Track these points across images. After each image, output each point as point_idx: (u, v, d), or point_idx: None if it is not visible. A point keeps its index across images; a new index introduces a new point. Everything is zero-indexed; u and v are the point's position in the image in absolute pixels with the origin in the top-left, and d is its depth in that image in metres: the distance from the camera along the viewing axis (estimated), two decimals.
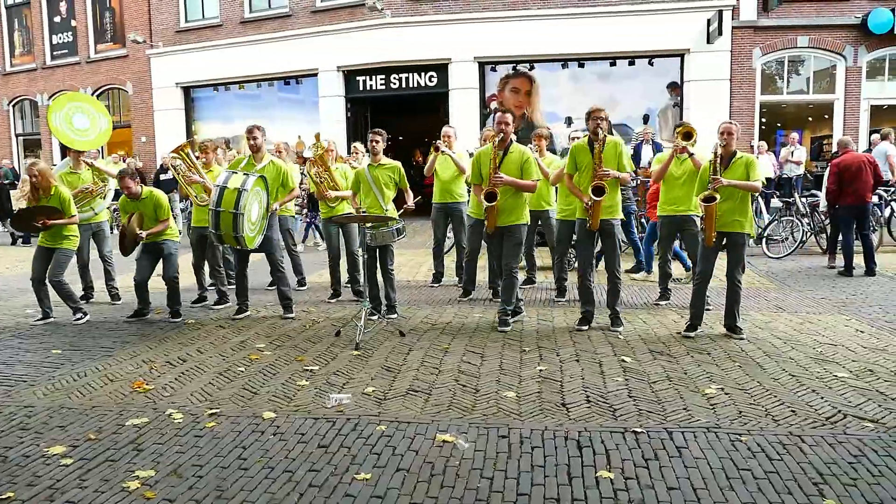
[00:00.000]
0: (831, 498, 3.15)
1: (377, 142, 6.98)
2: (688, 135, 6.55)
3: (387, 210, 6.89)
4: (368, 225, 6.45)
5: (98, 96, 20.31)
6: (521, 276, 8.89)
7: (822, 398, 4.44)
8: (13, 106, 23.08)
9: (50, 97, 21.87)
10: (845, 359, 5.29)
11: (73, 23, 21.37)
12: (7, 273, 10.89)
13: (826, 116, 16.08)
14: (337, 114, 17.55)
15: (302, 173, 11.13)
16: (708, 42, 15.43)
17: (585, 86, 16.31)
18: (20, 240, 15.11)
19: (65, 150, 21.28)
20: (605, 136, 6.14)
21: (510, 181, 6.18)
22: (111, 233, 7.43)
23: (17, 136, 23.28)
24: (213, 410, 4.39)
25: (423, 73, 16.93)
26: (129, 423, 4.19)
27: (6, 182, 17.10)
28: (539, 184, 7.94)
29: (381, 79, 17.26)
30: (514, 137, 6.47)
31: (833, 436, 3.83)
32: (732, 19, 15.39)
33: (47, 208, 6.89)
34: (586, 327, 6.35)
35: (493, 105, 16.74)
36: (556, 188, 7.82)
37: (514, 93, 16.67)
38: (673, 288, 7.68)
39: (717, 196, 5.73)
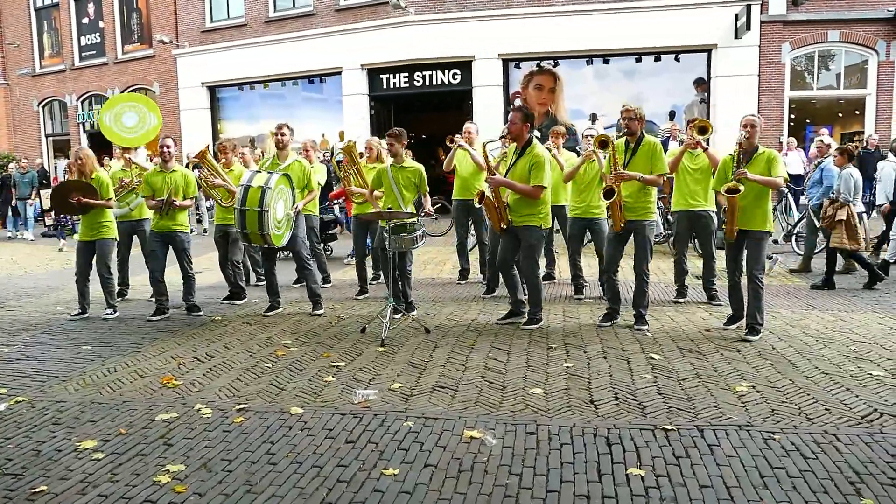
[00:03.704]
0: (869, 498, 3.08)
1: (392, 144, 6.89)
2: (703, 129, 6.49)
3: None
4: (390, 228, 6.38)
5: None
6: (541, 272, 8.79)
7: (857, 396, 4.35)
8: (43, 107, 23.45)
9: (79, 98, 22.22)
10: (880, 357, 5.18)
11: (101, 24, 21.66)
12: (38, 271, 11.07)
13: (857, 112, 15.79)
14: (361, 112, 17.60)
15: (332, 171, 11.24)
16: (736, 37, 15.22)
17: (610, 82, 16.19)
18: None
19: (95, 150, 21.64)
20: (642, 134, 6.08)
21: (504, 182, 6.05)
22: None
23: (47, 136, 23.65)
24: (241, 406, 4.41)
25: (446, 71, 16.91)
26: (159, 418, 4.23)
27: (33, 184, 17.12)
28: (555, 179, 7.92)
29: (404, 77, 17.28)
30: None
31: (869, 435, 3.75)
32: (761, 14, 15.16)
33: (84, 185, 6.98)
34: (609, 324, 6.29)
35: (517, 102, 16.68)
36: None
37: (537, 89, 16.57)
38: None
39: (741, 188, 5.60)
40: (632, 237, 6.24)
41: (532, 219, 6.11)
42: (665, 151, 13.97)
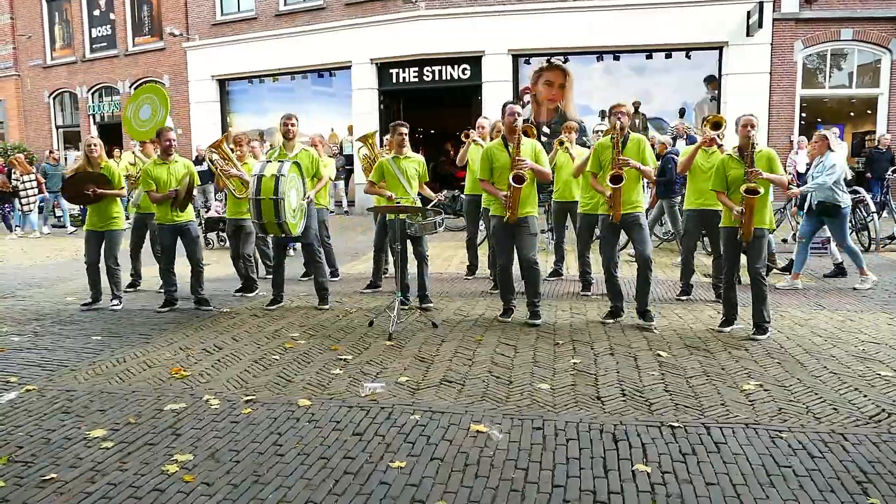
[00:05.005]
0: (876, 497, 3.07)
1: (404, 134, 6.99)
2: (717, 125, 6.42)
3: (416, 201, 6.91)
4: (406, 214, 6.45)
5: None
6: (546, 267, 8.79)
7: (865, 396, 4.33)
8: (54, 98, 23.55)
9: (89, 90, 22.30)
10: (889, 357, 5.16)
11: (112, 16, 21.74)
12: (47, 261, 11.14)
13: (869, 112, 15.69)
14: (370, 106, 17.62)
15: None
16: (748, 35, 15.15)
17: (620, 79, 16.15)
18: None
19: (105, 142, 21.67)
20: (628, 131, 6.13)
21: (533, 165, 6.04)
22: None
23: (57, 128, 23.75)
24: (249, 397, 4.44)
25: (456, 66, 16.91)
26: (168, 408, 4.25)
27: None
28: (568, 175, 7.93)
29: (414, 71, 17.29)
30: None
31: (877, 434, 3.74)
32: (773, 11, 15.08)
33: (98, 176, 7.03)
34: (612, 321, 6.29)
35: (527, 98, 16.65)
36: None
37: (547, 85, 16.56)
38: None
39: (762, 189, 5.53)
40: (626, 232, 6.32)
41: (535, 209, 6.30)
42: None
